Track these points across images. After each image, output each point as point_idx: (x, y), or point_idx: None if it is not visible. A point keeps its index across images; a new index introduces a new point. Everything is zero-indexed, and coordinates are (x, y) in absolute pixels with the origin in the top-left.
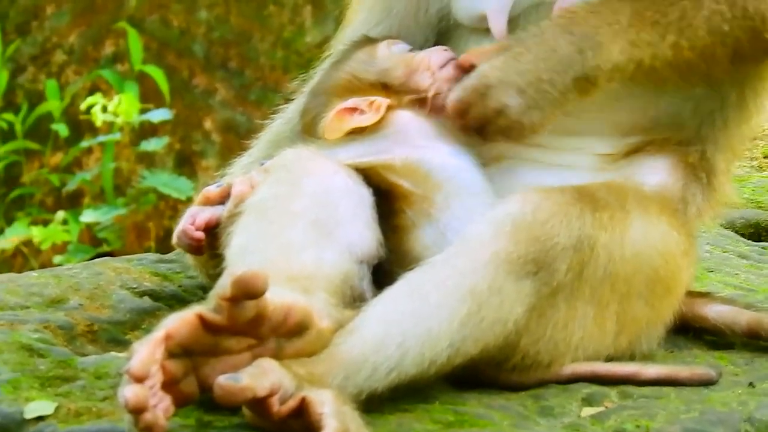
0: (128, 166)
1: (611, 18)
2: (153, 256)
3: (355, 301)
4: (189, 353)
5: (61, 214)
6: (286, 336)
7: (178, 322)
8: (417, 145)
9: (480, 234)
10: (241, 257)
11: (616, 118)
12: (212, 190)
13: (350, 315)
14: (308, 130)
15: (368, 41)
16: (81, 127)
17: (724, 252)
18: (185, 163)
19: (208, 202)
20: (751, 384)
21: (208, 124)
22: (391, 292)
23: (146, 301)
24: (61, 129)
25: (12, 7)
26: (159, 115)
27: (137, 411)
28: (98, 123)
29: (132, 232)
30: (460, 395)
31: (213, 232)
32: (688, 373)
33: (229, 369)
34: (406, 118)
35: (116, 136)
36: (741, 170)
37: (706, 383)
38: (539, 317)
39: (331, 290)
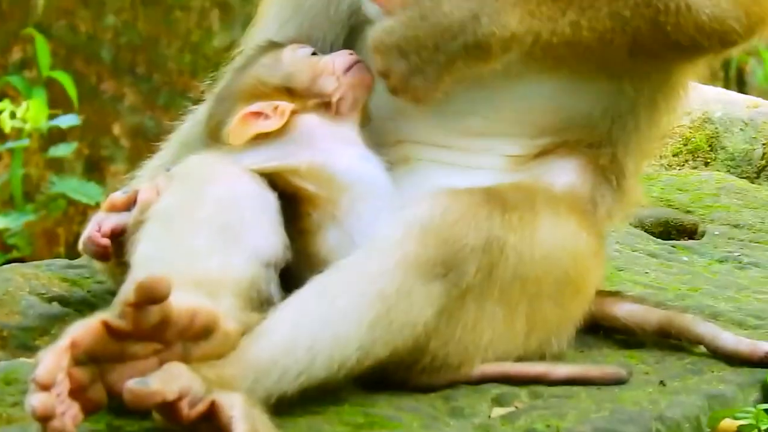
0: (37, 172)
1: None
2: (62, 261)
3: (262, 305)
4: (95, 360)
5: None
6: (192, 340)
7: (83, 329)
8: (322, 149)
9: (388, 237)
10: (145, 264)
11: (525, 119)
12: (118, 196)
13: (257, 318)
14: (213, 135)
15: (273, 45)
16: None
17: (633, 251)
18: (94, 169)
19: (114, 209)
20: (661, 382)
21: (116, 129)
22: (299, 296)
23: (55, 307)
24: None
25: None
26: (67, 121)
27: (44, 419)
28: (7, 129)
29: (42, 237)
30: (370, 397)
31: (119, 238)
32: (598, 373)
33: (136, 374)
34: (312, 122)
35: (25, 142)
36: (650, 169)
37: (617, 382)
38: (449, 319)
39: (238, 294)
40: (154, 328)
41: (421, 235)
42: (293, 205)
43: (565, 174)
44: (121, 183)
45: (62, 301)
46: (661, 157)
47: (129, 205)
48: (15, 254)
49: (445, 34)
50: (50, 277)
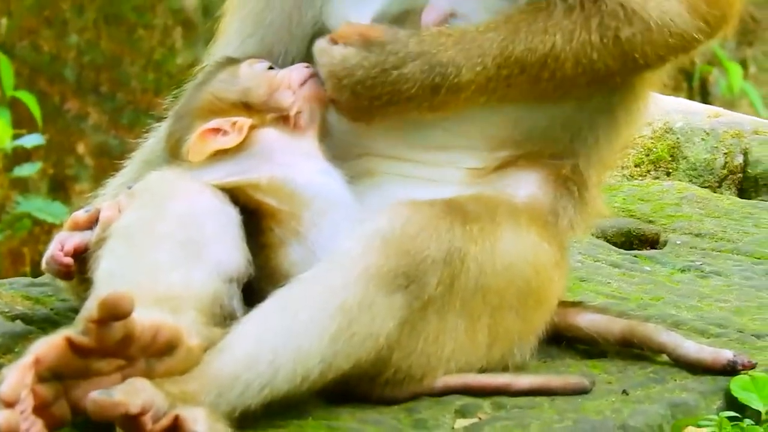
0: (2, 191)
1: (477, 51)
2: (25, 279)
3: (225, 319)
4: (59, 377)
5: None
6: (155, 355)
7: (47, 346)
8: (282, 163)
9: (349, 250)
10: (108, 281)
11: (486, 133)
12: (80, 215)
13: (220, 333)
14: (173, 152)
15: (230, 61)
16: None
17: (595, 261)
18: (59, 188)
19: (77, 227)
20: (624, 392)
21: (81, 148)
22: (261, 310)
23: (18, 325)
24: None
25: None
26: (32, 141)
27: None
28: None
29: (7, 257)
30: (334, 410)
31: (82, 257)
32: (561, 383)
33: None
34: (272, 137)
35: None
36: (612, 179)
37: (580, 392)
38: (411, 331)
39: (201, 309)
40: (117, 345)
41: (382, 247)
42: (255, 220)
43: (527, 186)
44: (87, 202)
45: (25, 319)
46: (623, 167)
47: (91, 223)
48: None
49: (401, 85)
50: (13, 296)
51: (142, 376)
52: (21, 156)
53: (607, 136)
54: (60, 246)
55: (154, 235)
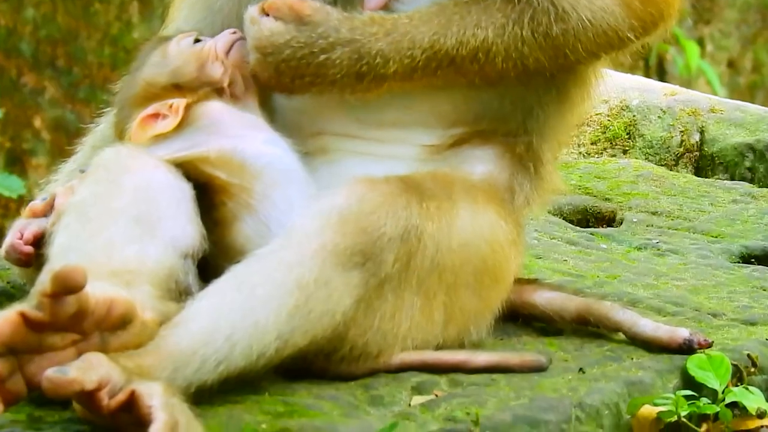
0: None
1: (408, 44)
2: None
3: (180, 295)
4: (13, 352)
5: None
6: (109, 330)
7: (1, 321)
8: (230, 135)
9: (306, 226)
10: (62, 256)
11: (437, 111)
12: (37, 203)
13: (175, 308)
14: (121, 141)
15: (160, 41)
16: None
17: (552, 239)
18: (16, 162)
19: (35, 216)
20: (581, 370)
21: (37, 122)
22: (218, 285)
23: None
24: None
25: None
26: None
27: None
28: None
29: None
30: (290, 386)
31: (40, 244)
32: (518, 360)
33: (54, 365)
34: (216, 109)
35: None
36: (569, 157)
37: (537, 370)
38: (367, 308)
39: (155, 284)
40: (71, 319)
41: (338, 224)
42: (208, 195)
43: (482, 163)
44: (43, 176)
45: None
46: (579, 145)
47: (47, 210)
48: None
49: (326, 69)
50: None
51: (96, 350)
52: None
53: (560, 114)
54: (19, 234)
55: (108, 211)
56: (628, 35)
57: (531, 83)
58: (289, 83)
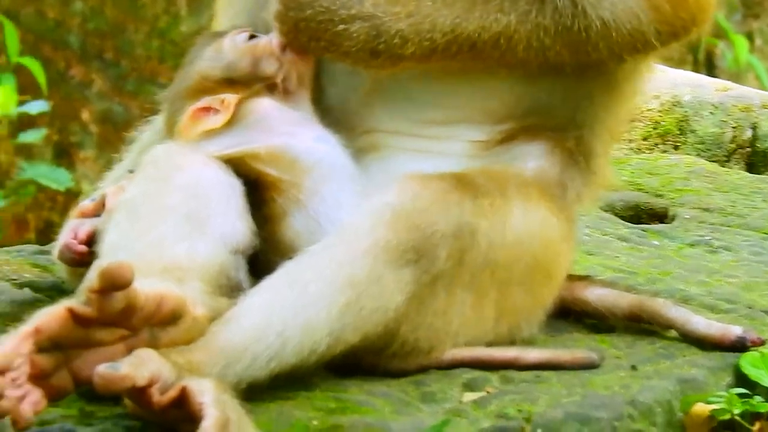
0: (7, 158)
1: (428, 26)
2: (32, 247)
3: (231, 291)
4: (60, 347)
5: None
6: (159, 325)
7: (48, 316)
8: (279, 132)
9: (358, 223)
10: (112, 254)
11: (486, 107)
12: (87, 204)
13: (226, 303)
14: (172, 136)
15: (214, 36)
16: None
17: (604, 235)
18: (63, 155)
19: (84, 216)
20: (633, 367)
21: (85, 115)
22: (270, 282)
23: (26, 293)
24: None
25: None
26: (36, 107)
27: None
28: None
29: (12, 224)
30: (342, 382)
31: (93, 243)
32: (569, 357)
33: (102, 361)
34: (266, 106)
35: None
36: (620, 153)
37: (588, 367)
38: (419, 305)
39: (206, 280)
40: (119, 314)
41: (391, 221)
42: (258, 191)
43: (533, 159)
44: (90, 169)
45: (33, 286)
46: (630, 141)
47: (98, 211)
48: None
49: (343, 40)
50: (21, 263)
51: (146, 346)
52: (25, 122)
53: (611, 106)
54: (73, 234)
55: (158, 208)
56: (653, 40)
57: (580, 76)
58: (306, 42)
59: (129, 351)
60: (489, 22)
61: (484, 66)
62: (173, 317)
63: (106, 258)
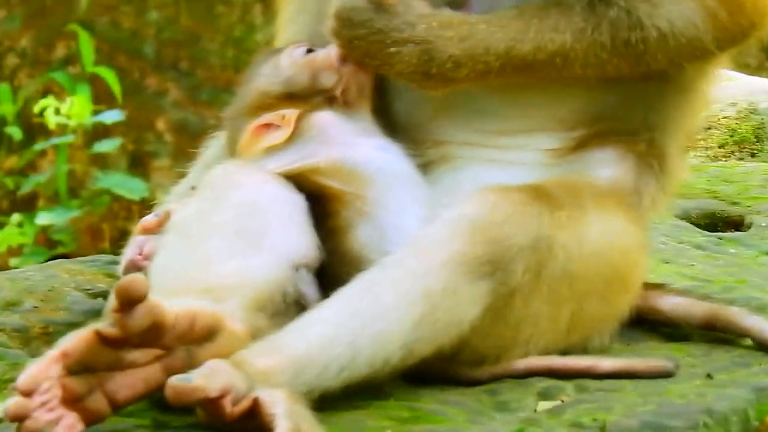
0: (82, 167)
1: (482, 50)
2: (106, 257)
3: (289, 306)
4: (90, 370)
5: (16, 217)
6: (195, 343)
7: (76, 339)
8: (339, 144)
9: (434, 235)
10: (159, 274)
11: (557, 115)
12: (150, 220)
13: (267, 322)
14: (233, 154)
15: (272, 53)
16: (34, 129)
17: (679, 243)
18: (138, 164)
19: (147, 232)
20: (708, 375)
21: (160, 124)
22: (341, 293)
23: (100, 303)
24: (15, 132)
25: None
26: (111, 117)
27: (17, 418)
28: (51, 125)
29: (87, 233)
30: (415, 391)
31: None
32: (644, 366)
33: (138, 382)
34: (325, 119)
35: (69, 138)
36: (696, 160)
37: (664, 375)
38: (494, 316)
39: (253, 297)
40: (147, 334)
41: (468, 233)
42: (321, 204)
43: (607, 166)
44: (165, 179)
45: (107, 296)
46: (706, 148)
47: (161, 227)
48: (60, 250)
49: (395, 61)
50: (95, 273)
51: (182, 364)
52: (100, 132)
53: (682, 106)
54: (138, 250)
55: (209, 226)
56: (711, 47)
57: (648, 79)
58: (360, 58)
59: (166, 370)
60: (544, 43)
61: (537, 82)
62: (209, 333)
63: (154, 279)
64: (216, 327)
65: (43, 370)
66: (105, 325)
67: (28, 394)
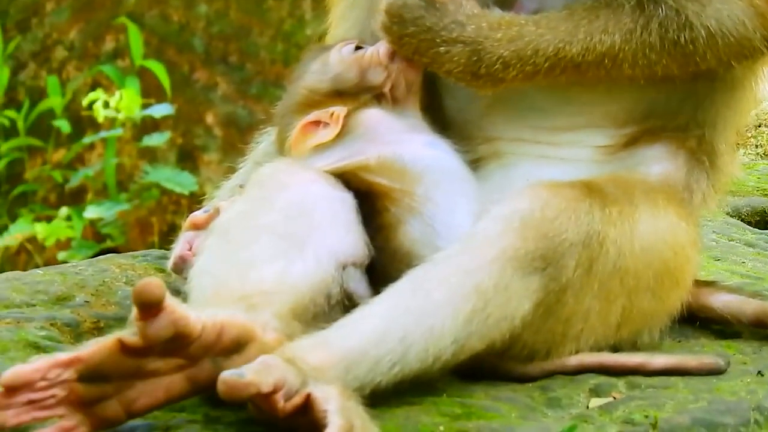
0: (130, 161)
1: (531, 52)
2: (157, 252)
3: (333, 308)
4: (105, 378)
5: (64, 211)
6: (222, 354)
7: (95, 347)
8: (388, 141)
9: (486, 230)
10: (198, 279)
11: (608, 112)
12: (199, 215)
13: (300, 329)
14: (283, 151)
15: (321, 50)
16: (83, 123)
17: (730, 240)
18: (187, 158)
19: (196, 228)
20: (759, 373)
21: (209, 118)
22: (393, 290)
23: None
24: (63, 125)
25: (12, 4)
26: (160, 110)
27: None
28: (100, 119)
29: (135, 227)
30: (467, 387)
31: None
32: (695, 363)
33: (159, 391)
34: (374, 116)
35: (118, 131)
36: (746, 158)
37: (714, 372)
38: (545, 312)
39: (292, 304)
40: (171, 343)
41: (520, 229)
42: (370, 202)
43: (658, 162)
44: (214, 173)
45: None
46: (757, 146)
47: (210, 222)
48: (109, 244)
49: (444, 59)
50: (146, 268)
51: (208, 375)
52: (150, 126)
53: (732, 102)
54: (188, 246)
55: (252, 229)
56: (760, 46)
57: (699, 77)
58: (410, 55)
59: (189, 381)
60: (593, 44)
61: (585, 82)
62: (237, 345)
63: (192, 284)
64: (245, 338)
65: (36, 369)
66: (128, 333)
67: (11, 389)
